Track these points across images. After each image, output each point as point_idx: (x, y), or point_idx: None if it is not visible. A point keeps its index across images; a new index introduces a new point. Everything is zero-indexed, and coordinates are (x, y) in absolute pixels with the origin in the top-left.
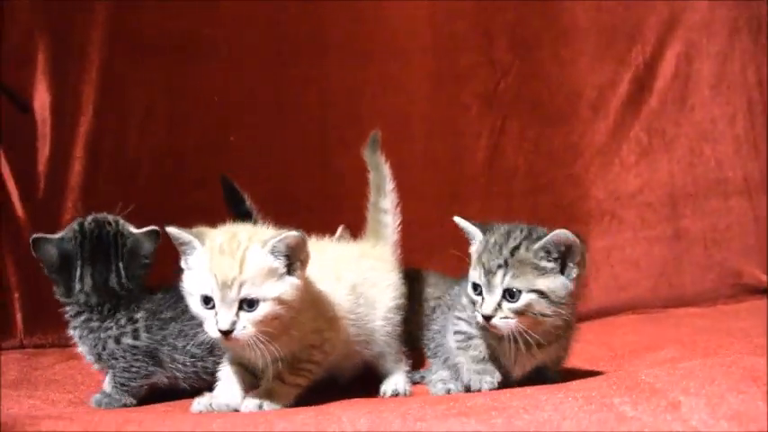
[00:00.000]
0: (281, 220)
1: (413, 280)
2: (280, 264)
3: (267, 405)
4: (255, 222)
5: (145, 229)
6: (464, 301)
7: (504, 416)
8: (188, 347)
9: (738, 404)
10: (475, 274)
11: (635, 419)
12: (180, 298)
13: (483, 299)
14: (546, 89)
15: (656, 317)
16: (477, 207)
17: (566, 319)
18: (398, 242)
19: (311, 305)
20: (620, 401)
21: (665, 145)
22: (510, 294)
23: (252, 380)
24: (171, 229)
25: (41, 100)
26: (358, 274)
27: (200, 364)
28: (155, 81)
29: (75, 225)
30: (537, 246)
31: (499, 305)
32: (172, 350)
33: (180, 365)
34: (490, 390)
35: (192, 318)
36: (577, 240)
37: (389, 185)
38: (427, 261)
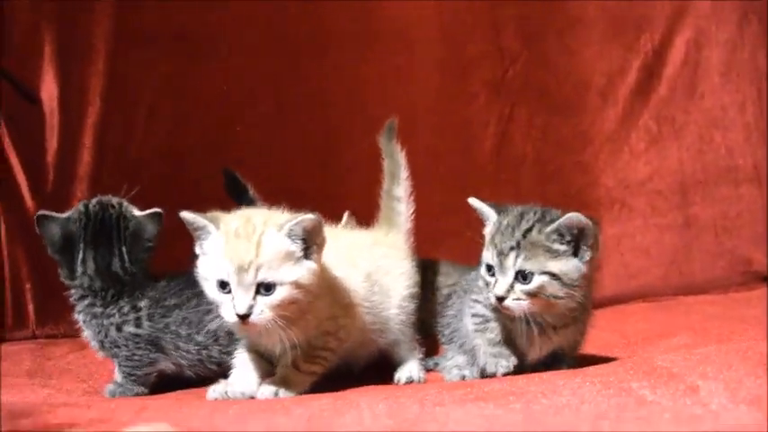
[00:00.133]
0: None
1: (425, 269)
2: (297, 247)
3: (283, 392)
4: None
5: (148, 212)
6: (480, 284)
7: (522, 400)
8: (193, 335)
9: (757, 388)
10: (488, 255)
11: (654, 403)
12: (185, 286)
13: (496, 280)
14: (554, 77)
15: (666, 304)
16: (485, 195)
17: (580, 301)
18: (411, 230)
19: (327, 291)
20: (638, 386)
21: (674, 132)
22: (523, 276)
23: (267, 367)
24: (185, 214)
25: (49, 91)
26: (371, 262)
27: (204, 352)
28: (160, 74)
29: (80, 206)
30: (549, 228)
31: (512, 286)
32: (175, 338)
33: (184, 353)
34: (505, 373)
35: (197, 305)
36: (590, 223)
37: (404, 173)
38: (435, 250)
